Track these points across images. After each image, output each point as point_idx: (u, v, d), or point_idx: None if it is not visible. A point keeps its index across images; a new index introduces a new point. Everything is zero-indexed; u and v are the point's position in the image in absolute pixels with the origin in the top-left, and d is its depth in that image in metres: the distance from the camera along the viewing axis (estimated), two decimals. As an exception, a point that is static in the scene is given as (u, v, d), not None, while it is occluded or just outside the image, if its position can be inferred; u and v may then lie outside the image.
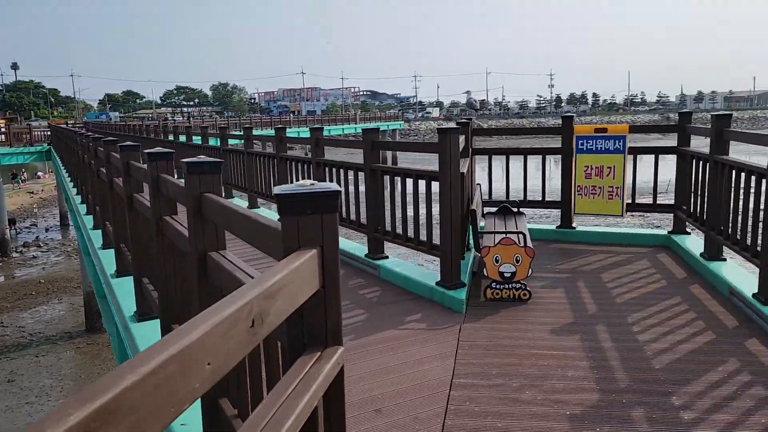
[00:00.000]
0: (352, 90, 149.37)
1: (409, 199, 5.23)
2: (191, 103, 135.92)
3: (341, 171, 6.17)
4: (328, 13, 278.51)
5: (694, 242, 5.72)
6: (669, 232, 6.14)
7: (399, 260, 5.61)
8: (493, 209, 6.19)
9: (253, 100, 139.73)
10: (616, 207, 6.25)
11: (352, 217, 6.08)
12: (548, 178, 6.63)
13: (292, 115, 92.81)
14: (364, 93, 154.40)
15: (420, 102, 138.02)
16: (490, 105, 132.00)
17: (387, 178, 5.36)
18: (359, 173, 5.81)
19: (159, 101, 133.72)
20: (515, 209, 6.05)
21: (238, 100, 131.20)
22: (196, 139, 12.16)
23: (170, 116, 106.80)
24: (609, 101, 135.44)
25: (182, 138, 13.21)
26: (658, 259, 5.63)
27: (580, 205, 6.42)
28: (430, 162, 5.16)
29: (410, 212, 5.18)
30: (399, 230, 5.31)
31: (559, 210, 6.60)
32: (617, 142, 6.15)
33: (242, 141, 9.20)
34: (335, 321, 1.50)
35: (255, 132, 8.27)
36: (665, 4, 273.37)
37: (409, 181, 5.11)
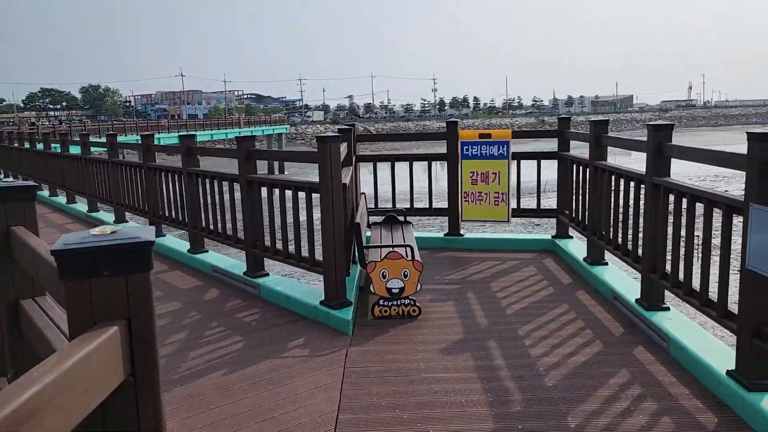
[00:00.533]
0: (236, 93, 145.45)
1: (292, 212, 4.85)
2: (58, 106, 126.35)
3: (215, 182, 5.66)
4: (210, 15, 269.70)
5: (577, 246, 5.78)
6: (553, 237, 6.19)
7: (281, 277, 5.20)
8: (380, 218, 5.94)
9: (128, 104, 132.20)
10: (502, 213, 6.20)
11: (229, 232, 5.60)
12: (436, 183, 6.49)
13: (171, 119, 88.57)
14: (249, 96, 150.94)
15: (306, 105, 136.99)
16: (376, 108, 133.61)
17: (265, 189, 4.94)
18: (234, 184, 5.35)
19: (22, 104, 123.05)
20: (402, 218, 5.82)
21: (112, 104, 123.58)
22: (55, 147, 11.02)
23: (35, 120, 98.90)
24: (489, 105, 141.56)
25: (40, 146, 11.93)
26: (544, 265, 5.62)
27: (467, 211, 6.32)
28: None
29: (292, 226, 4.81)
30: (279, 246, 4.91)
31: (447, 217, 6.48)
32: (501, 147, 6.10)
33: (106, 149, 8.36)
34: (154, 417, 1.11)
35: (122, 139, 7.47)
36: (538, 17, 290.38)
37: (289, 193, 4.72)
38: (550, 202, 6.75)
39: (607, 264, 5.09)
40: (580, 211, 5.38)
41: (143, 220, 7.52)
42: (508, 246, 6.25)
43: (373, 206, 6.61)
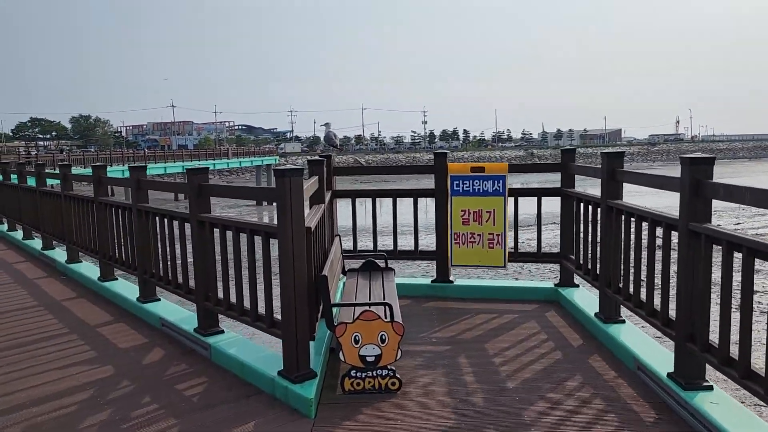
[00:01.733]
0: (227, 124, 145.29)
1: (247, 259, 4.04)
2: (47, 136, 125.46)
3: (165, 221, 4.86)
4: (202, 48, 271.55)
5: (585, 297, 5.00)
6: (556, 285, 5.40)
7: (237, 336, 4.36)
8: (358, 262, 5.15)
9: (118, 134, 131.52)
10: (497, 257, 5.43)
11: (180, 279, 4.78)
12: (424, 222, 5.72)
13: (161, 149, 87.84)
14: (240, 127, 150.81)
15: (297, 137, 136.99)
16: (366, 140, 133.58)
17: (218, 231, 4.14)
18: (185, 224, 4.56)
19: (10, 134, 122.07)
20: (383, 264, 5.03)
21: (102, 134, 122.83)
22: (15, 178, 10.19)
23: (23, 150, 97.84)
24: (478, 137, 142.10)
25: (6, 177, 11.08)
26: (548, 320, 4.83)
27: (457, 255, 5.54)
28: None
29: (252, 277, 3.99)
30: (234, 299, 4.10)
31: (435, 261, 5.69)
32: (496, 182, 5.36)
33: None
34: None
35: (110, 170, 6.62)
36: (523, 50, 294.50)
37: (245, 237, 3.92)
38: (546, 236, 5.98)
39: (624, 321, 4.30)
40: (590, 257, 4.61)
41: (95, 260, 6.69)
42: (505, 295, 5.46)
43: (351, 248, 5.82)
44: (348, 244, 5.80)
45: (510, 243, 5.45)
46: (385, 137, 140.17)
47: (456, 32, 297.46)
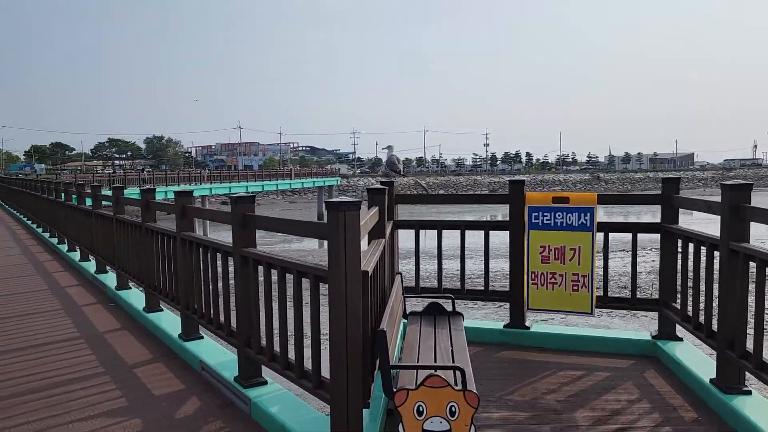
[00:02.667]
0: (291, 145, 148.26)
1: (294, 305, 3.49)
2: (123, 155, 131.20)
3: (208, 253, 4.39)
4: (269, 70, 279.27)
5: (692, 355, 4.19)
6: (654, 336, 4.61)
7: (282, 391, 3.80)
8: (421, 302, 4.53)
9: (188, 154, 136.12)
10: (582, 302, 4.68)
11: (222, 319, 4.27)
12: (496, 261, 5.04)
13: (227, 169, 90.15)
14: (304, 149, 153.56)
15: (359, 158, 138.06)
16: (427, 162, 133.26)
17: (262, 269, 3.61)
18: (228, 258, 4.06)
19: (90, 153, 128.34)
20: (450, 309, 4.37)
21: (173, 154, 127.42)
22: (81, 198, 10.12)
23: (101, 169, 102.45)
24: (542, 160, 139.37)
25: (67, 197, 11.08)
26: (648, 382, 4.04)
27: (535, 297, 4.83)
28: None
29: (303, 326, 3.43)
30: (278, 348, 3.54)
31: (508, 303, 5.00)
32: (583, 215, 4.64)
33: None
34: None
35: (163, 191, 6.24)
36: (589, 68, 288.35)
37: (292, 279, 3.37)
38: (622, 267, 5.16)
39: (749, 392, 3.49)
40: (702, 309, 3.82)
41: (141, 291, 6.32)
42: (592, 346, 4.70)
43: (412, 284, 5.20)
44: (409, 282, 5.19)
45: (598, 285, 4.70)
46: (446, 159, 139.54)
47: (520, 53, 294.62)
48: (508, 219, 4.92)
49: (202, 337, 4.93)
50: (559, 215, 4.72)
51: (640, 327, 11.67)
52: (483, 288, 5.10)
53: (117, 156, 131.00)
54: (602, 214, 4.80)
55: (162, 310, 5.93)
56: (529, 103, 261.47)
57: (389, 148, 6.05)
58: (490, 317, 11.46)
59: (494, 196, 5.15)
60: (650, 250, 17.78)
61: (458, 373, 2.91)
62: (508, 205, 4.90)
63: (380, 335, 2.92)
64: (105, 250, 7.71)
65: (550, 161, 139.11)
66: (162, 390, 4.15)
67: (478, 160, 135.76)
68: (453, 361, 3.34)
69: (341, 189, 77.66)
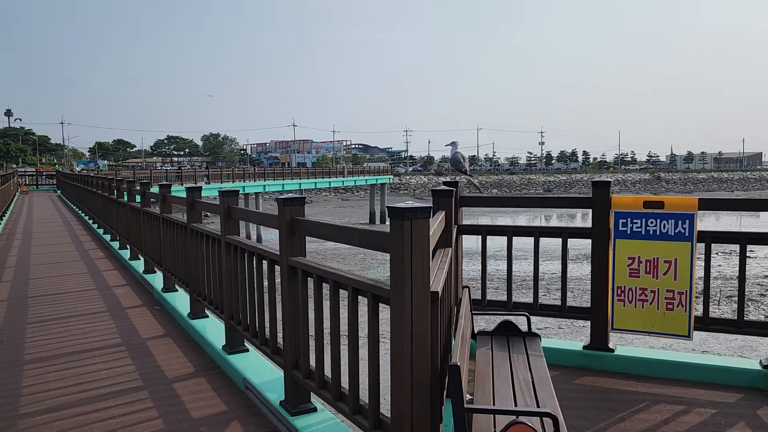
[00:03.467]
0: (345, 143, 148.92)
1: (349, 326, 3.01)
2: (181, 152, 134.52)
3: (254, 260, 3.97)
4: (319, 67, 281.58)
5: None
6: (765, 366, 3.93)
7: (334, 421, 3.33)
8: (489, 318, 3.99)
9: (243, 151, 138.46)
10: (678, 323, 4.04)
11: (267, 334, 3.84)
12: (574, 272, 4.44)
13: (281, 166, 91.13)
14: (356, 146, 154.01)
15: (411, 156, 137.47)
16: (480, 161, 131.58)
17: (312, 282, 3.15)
18: (275, 267, 3.62)
19: (149, 150, 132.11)
20: (524, 328, 3.81)
21: (229, 151, 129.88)
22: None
23: (160, 165, 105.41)
24: (599, 159, 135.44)
25: (118, 194, 10.99)
26: (762, 421, 3.39)
27: (621, 316, 4.22)
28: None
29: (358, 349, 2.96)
30: (329, 373, 3.07)
31: (588, 321, 4.39)
32: (681, 223, 4.00)
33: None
34: None
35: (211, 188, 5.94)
36: (652, 65, 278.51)
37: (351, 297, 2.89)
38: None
39: None
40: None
41: (184, 294, 5.99)
42: (689, 374, 4.06)
43: (478, 297, 4.66)
44: (475, 295, 4.65)
45: (696, 304, 4.05)
46: (499, 158, 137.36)
47: (574, 48, 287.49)
48: (589, 225, 4.32)
49: (248, 350, 4.53)
50: (651, 222, 4.09)
51: (739, 350, 10.71)
52: (560, 303, 4.51)
53: (175, 153, 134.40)
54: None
55: (207, 316, 5.57)
56: (587, 100, 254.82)
57: (453, 144, 5.49)
58: (547, 332, 10.76)
59: (575, 200, 4.55)
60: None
61: (548, 421, 2.37)
62: (591, 210, 4.30)
63: (453, 371, 2.40)
64: (152, 249, 7.46)
65: (607, 160, 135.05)
66: (202, 411, 3.75)
67: (532, 158, 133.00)
68: (536, 398, 2.79)
69: (393, 187, 77.23)
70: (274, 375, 3.98)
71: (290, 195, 3.39)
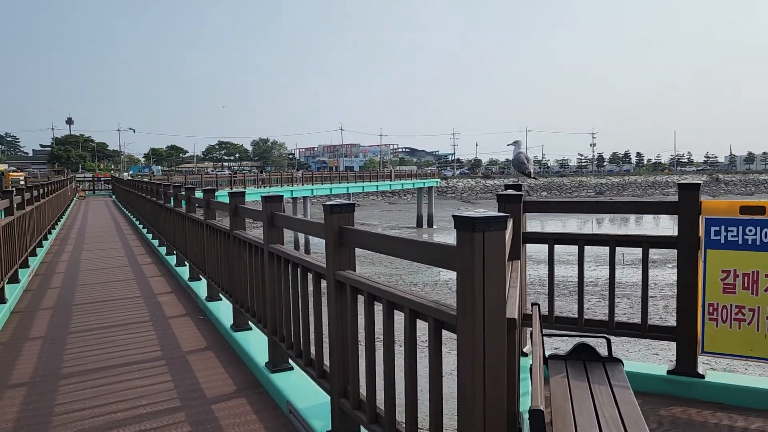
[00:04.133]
0: (391, 147, 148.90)
1: (406, 351, 2.61)
2: (232, 157, 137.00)
3: (298, 272, 3.62)
4: (366, 72, 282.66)
5: None
6: None
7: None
8: (558, 340, 3.52)
9: (292, 156, 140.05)
10: (784, 347, 3.49)
11: (312, 354, 3.48)
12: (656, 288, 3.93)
13: (329, 170, 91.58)
14: (403, 150, 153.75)
15: (458, 159, 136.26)
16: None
17: (363, 300, 2.77)
18: (322, 281, 3.25)
19: (201, 155, 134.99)
20: (604, 352, 3.33)
21: (278, 156, 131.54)
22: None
23: (211, 170, 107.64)
24: (654, 161, 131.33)
25: (166, 199, 10.91)
26: None
27: (713, 337, 3.69)
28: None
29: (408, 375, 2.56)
30: (381, 408, 2.68)
31: (674, 343, 3.87)
32: (788, 231, 3.45)
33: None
34: None
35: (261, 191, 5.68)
36: (708, 64, 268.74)
37: (402, 319, 2.50)
38: None
39: None
40: None
41: (227, 303, 5.71)
42: (797, 407, 3.49)
43: (545, 314, 4.19)
44: (542, 311, 4.18)
45: (805, 326, 3.49)
46: (548, 160, 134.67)
47: (625, 45, 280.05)
48: (675, 234, 3.81)
49: (292, 368, 4.19)
50: (750, 230, 3.56)
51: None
52: (640, 322, 3.99)
53: (226, 158, 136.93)
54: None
55: (251, 328, 5.27)
56: (640, 100, 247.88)
57: (516, 144, 4.99)
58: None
59: (657, 205, 4.03)
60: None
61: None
62: (676, 216, 3.78)
63: (535, 417, 1.97)
64: (197, 256, 7.24)
65: (662, 162, 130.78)
66: (241, 438, 3.41)
67: (583, 160, 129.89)
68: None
69: (440, 190, 76.52)
70: (321, 399, 3.61)
71: (338, 201, 3.02)
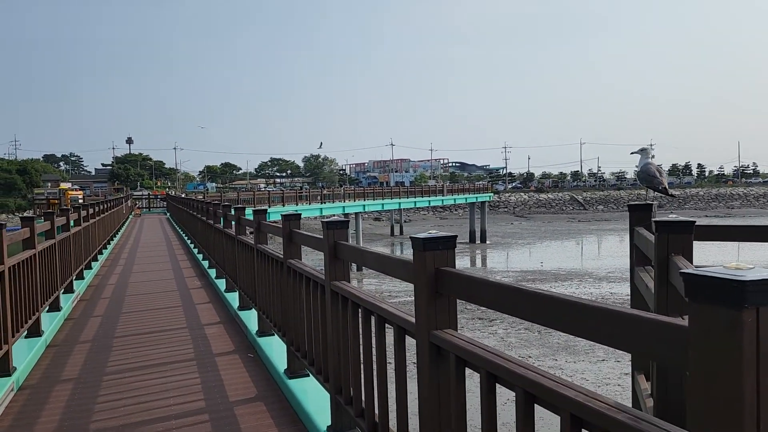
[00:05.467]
0: (442, 161, 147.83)
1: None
2: (284, 174, 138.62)
3: (372, 320, 2.80)
4: (416, 86, 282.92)
5: None
6: None
7: None
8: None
9: (342, 171, 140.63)
10: None
11: (395, 428, 2.64)
12: None
13: (380, 185, 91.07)
14: (454, 164, 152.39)
15: (510, 173, 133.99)
16: (584, 176, 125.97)
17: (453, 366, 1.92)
18: (406, 338, 2.41)
19: (254, 172, 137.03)
20: None
21: (329, 171, 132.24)
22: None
23: (264, 186, 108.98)
24: (716, 172, 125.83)
25: (215, 219, 10.32)
26: None
27: None
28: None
29: None
30: None
31: None
32: None
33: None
34: None
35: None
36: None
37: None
38: None
39: None
40: None
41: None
42: None
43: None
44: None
45: None
46: (604, 173, 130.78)
47: (682, 50, 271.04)
48: None
49: (359, 434, 3.35)
50: None
51: None
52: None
53: (278, 174, 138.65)
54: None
55: (308, 375, 4.47)
56: (701, 111, 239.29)
57: (643, 152, 4.03)
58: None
59: None
60: None
61: None
62: None
63: None
64: (247, 285, 6.53)
65: (726, 173, 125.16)
66: None
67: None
68: None
69: (492, 205, 74.81)
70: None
71: (434, 233, 2.18)
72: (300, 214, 4.47)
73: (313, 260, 14.70)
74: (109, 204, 17.68)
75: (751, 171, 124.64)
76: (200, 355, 5.60)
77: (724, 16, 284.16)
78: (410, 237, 2.22)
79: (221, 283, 8.96)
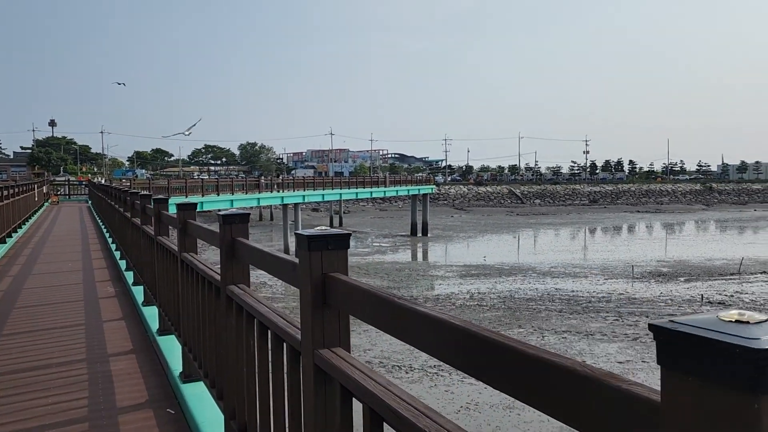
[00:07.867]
0: (381, 152, 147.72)
1: None
2: (218, 162, 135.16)
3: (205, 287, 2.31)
4: (356, 76, 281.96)
5: None
6: None
7: None
8: None
9: (280, 160, 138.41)
10: None
11: None
12: None
13: (318, 176, 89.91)
14: (393, 156, 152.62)
15: (449, 166, 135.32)
16: (521, 170, 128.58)
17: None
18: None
19: (187, 159, 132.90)
20: None
21: (266, 160, 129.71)
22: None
23: (197, 174, 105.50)
24: (647, 169, 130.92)
25: (126, 207, 9.52)
26: None
27: None
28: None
29: None
30: None
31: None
32: None
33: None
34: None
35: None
36: (700, 73, 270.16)
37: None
38: None
39: None
40: None
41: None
42: None
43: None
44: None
45: None
46: (540, 167, 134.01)
47: (618, 53, 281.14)
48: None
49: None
50: None
51: None
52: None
53: (212, 162, 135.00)
54: None
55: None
56: (633, 108, 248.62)
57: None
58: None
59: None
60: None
61: None
62: None
63: None
64: (168, 302, 5.37)
65: (655, 170, 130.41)
66: None
67: (576, 168, 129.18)
68: None
69: (432, 197, 75.16)
70: None
71: (319, 232, 1.72)
72: (196, 204, 3.91)
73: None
74: (12, 189, 15.72)
75: (679, 168, 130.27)
76: (91, 351, 4.94)
77: (650, 22, 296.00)
78: (295, 233, 1.75)
79: (138, 292, 7.21)
